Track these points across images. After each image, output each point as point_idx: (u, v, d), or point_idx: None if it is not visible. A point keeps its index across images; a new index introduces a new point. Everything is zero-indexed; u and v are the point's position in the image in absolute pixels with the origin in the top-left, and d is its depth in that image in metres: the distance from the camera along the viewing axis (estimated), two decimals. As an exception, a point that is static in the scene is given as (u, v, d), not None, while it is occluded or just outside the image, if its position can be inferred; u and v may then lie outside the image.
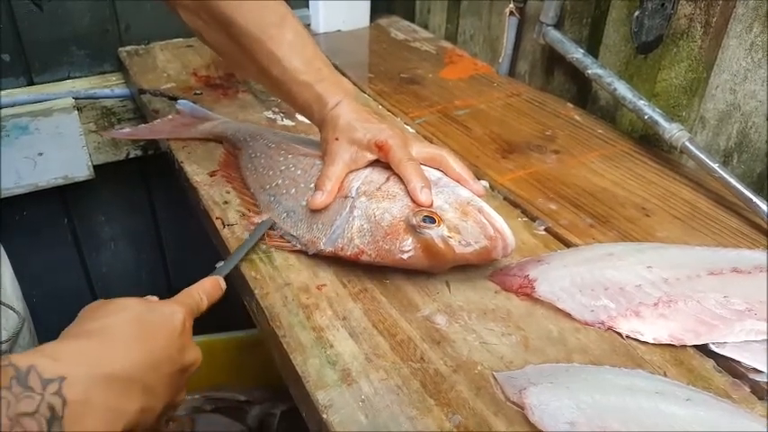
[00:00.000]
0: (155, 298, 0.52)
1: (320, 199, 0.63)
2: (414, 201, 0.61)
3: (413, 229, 0.58)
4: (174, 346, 0.47)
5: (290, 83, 0.69)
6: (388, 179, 0.64)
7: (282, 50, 0.68)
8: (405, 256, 0.58)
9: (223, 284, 0.58)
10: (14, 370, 0.37)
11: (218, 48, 0.74)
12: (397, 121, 0.95)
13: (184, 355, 0.48)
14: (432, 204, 0.60)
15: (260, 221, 0.68)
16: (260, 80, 0.75)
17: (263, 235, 0.66)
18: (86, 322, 0.45)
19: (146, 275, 1.41)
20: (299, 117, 0.92)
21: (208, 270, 0.59)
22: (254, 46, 0.69)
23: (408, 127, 0.93)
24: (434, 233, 0.57)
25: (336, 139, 0.66)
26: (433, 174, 0.66)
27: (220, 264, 0.62)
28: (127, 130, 0.99)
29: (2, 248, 0.80)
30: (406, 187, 0.62)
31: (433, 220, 0.58)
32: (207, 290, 0.56)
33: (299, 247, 0.64)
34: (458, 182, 0.65)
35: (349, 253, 0.60)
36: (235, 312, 1.00)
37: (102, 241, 1.33)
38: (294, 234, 0.65)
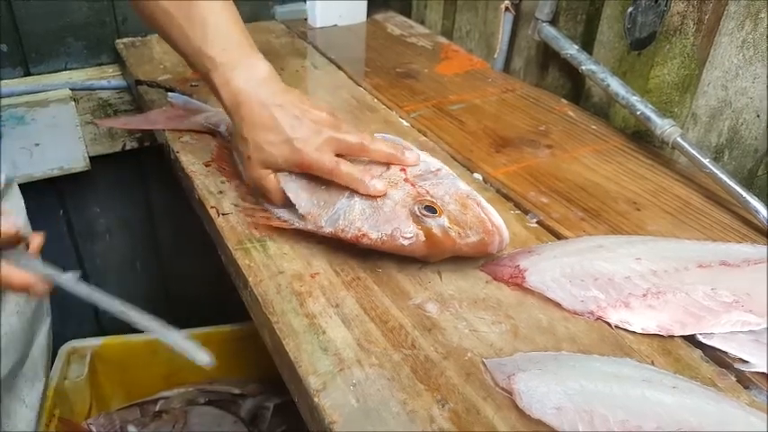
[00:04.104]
0: None
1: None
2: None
3: (414, 217, 0.59)
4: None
5: (197, 60, 0.70)
6: (389, 167, 0.65)
7: (193, 28, 0.69)
8: (405, 243, 0.58)
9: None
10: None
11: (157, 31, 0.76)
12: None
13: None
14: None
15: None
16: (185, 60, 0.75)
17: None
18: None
19: (141, 267, 1.41)
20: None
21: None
22: (168, 21, 0.70)
23: (403, 121, 0.93)
24: (435, 223, 0.58)
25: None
26: (433, 164, 0.67)
27: None
28: (122, 119, 0.99)
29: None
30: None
31: (434, 210, 0.59)
32: None
33: (296, 225, 0.64)
34: (389, 162, 0.66)
35: (350, 235, 0.60)
36: (229, 305, 1.01)
37: (97, 232, 1.33)
38: (294, 200, 0.64)
